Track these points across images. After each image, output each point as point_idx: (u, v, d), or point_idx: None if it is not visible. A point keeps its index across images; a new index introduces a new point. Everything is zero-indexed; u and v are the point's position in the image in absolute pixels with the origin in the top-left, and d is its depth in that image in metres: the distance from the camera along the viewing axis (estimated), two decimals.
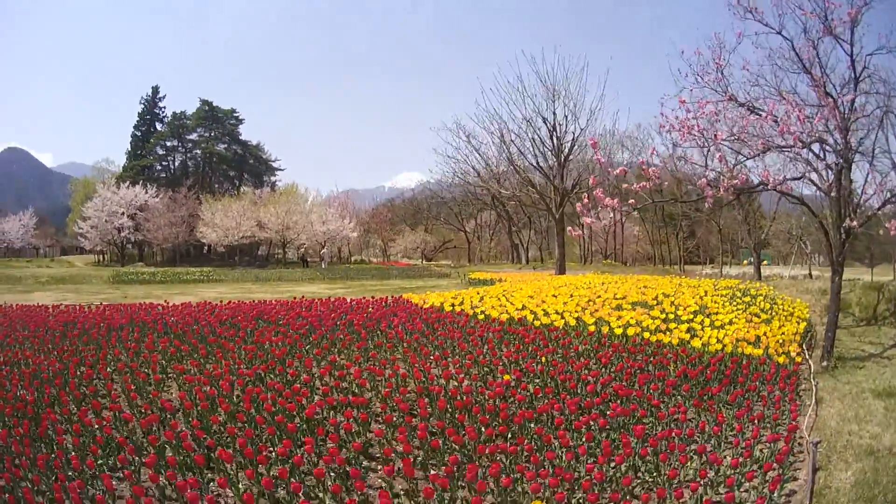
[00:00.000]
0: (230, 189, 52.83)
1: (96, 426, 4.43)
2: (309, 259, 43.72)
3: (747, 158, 8.11)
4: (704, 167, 6.93)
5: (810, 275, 24.77)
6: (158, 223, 41.88)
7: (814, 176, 9.96)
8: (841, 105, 8.35)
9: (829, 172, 8.42)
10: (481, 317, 8.75)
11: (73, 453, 4.07)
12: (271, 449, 4.16)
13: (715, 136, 6.67)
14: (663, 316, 8.32)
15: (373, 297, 11.62)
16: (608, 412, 4.78)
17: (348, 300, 11.37)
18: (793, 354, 6.92)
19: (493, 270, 30.10)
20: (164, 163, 53.56)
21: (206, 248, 47.82)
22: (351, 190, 66.37)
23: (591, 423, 4.56)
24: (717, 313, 8.94)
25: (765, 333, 7.64)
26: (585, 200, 6.59)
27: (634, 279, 14.87)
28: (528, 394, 5.21)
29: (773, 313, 9.80)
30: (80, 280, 24.83)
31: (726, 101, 7.99)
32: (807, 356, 7.52)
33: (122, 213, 42.01)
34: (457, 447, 4.20)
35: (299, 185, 53.97)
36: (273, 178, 56.97)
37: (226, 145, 54.48)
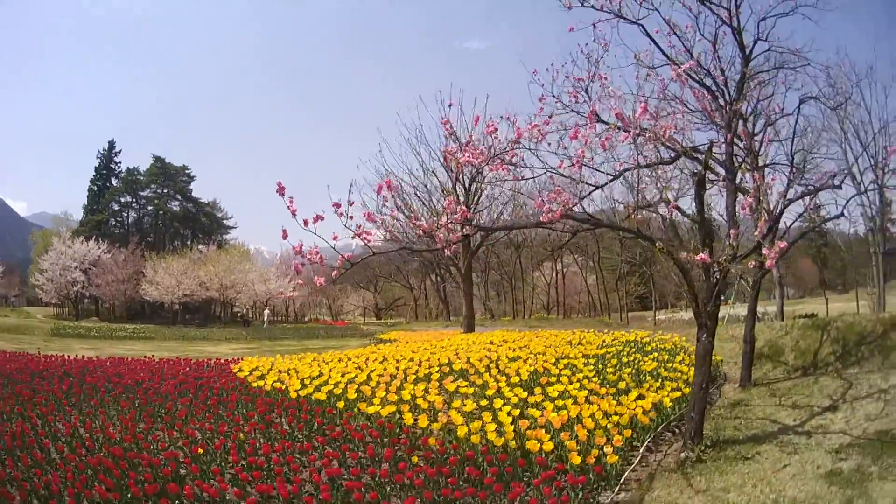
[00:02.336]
0: (182, 246, 51.45)
1: None
2: (266, 318, 41.28)
3: (596, 188, 6.18)
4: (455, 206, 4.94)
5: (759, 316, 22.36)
6: (107, 279, 41.57)
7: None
8: (718, 92, 6.57)
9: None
10: (260, 384, 7.93)
11: None
12: None
13: (458, 163, 4.74)
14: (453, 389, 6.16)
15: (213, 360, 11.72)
16: None
17: (192, 361, 11.63)
18: (608, 450, 4.73)
19: (419, 329, 28.71)
20: (118, 219, 52.45)
21: (161, 304, 45.60)
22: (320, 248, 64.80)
23: None
24: (556, 383, 6.77)
25: (592, 415, 5.47)
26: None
27: (530, 336, 12.72)
28: None
29: (653, 376, 7.66)
30: (22, 331, 25.14)
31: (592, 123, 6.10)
32: (641, 449, 5.31)
33: (76, 268, 41.79)
34: None
35: (252, 244, 52.88)
36: (225, 237, 55.90)
37: (179, 202, 53.62)
